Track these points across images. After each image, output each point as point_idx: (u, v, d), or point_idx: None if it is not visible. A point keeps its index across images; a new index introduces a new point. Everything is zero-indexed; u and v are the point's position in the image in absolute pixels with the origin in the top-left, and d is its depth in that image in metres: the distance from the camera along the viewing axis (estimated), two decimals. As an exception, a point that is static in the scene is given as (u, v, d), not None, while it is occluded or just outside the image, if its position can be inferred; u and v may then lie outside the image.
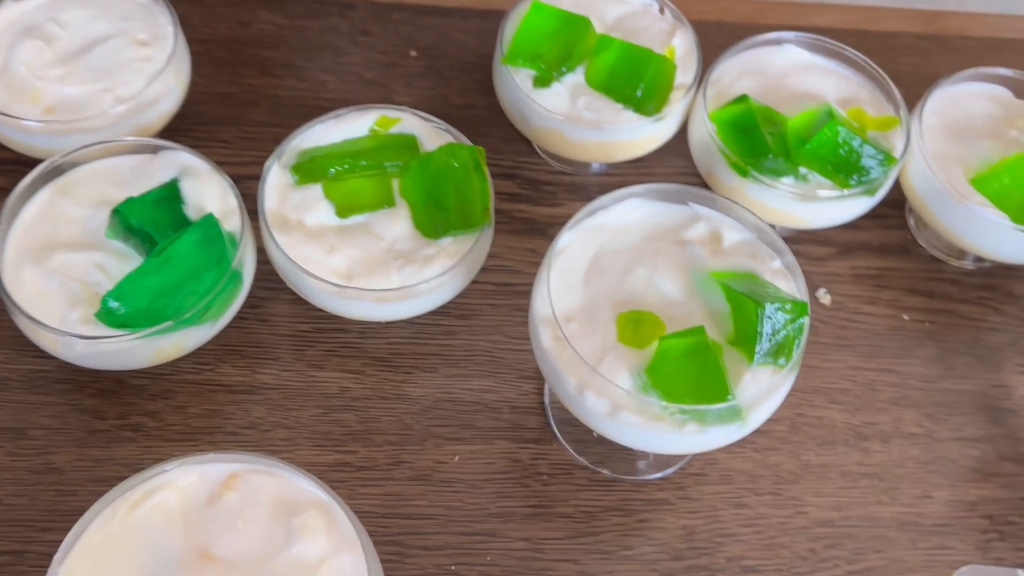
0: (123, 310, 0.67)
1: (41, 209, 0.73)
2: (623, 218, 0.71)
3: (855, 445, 0.81)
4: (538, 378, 0.81)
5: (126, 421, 0.76)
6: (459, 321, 0.83)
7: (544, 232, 0.89)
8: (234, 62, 0.95)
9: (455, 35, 1.00)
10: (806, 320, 0.65)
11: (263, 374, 0.79)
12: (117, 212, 0.69)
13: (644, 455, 0.78)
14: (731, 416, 0.63)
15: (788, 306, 0.64)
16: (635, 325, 0.66)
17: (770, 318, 0.63)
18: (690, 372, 0.63)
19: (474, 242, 0.74)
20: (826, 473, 0.79)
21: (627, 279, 0.69)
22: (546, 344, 0.66)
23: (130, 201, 0.69)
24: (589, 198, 0.90)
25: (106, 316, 0.68)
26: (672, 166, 0.93)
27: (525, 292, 0.85)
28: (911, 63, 1.01)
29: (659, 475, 0.77)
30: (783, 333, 0.64)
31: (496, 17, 1.02)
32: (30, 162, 0.85)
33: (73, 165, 0.75)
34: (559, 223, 0.88)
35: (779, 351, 0.64)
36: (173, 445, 0.75)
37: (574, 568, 0.73)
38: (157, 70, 0.80)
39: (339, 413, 0.78)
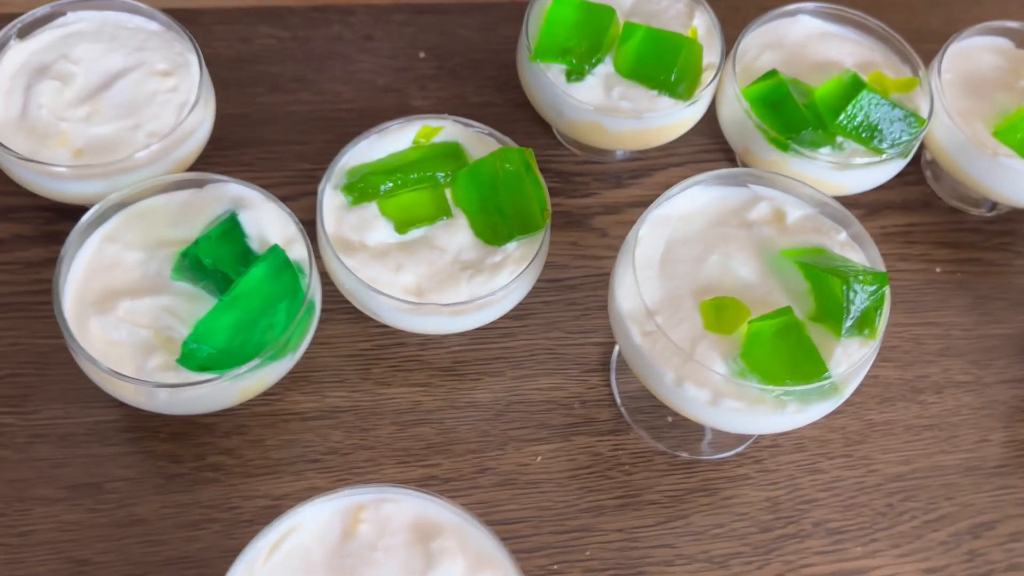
0: (205, 352, 0.67)
1: (92, 258, 0.72)
2: (686, 206, 0.73)
3: (912, 399, 0.85)
4: (603, 370, 0.83)
5: (204, 462, 0.76)
6: (516, 322, 0.84)
7: (582, 224, 0.90)
8: (242, 81, 0.94)
9: (459, 32, 1.00)
10: (887, 290, 0.68)
11: (333, 397, 0.80)
12: (188, 254, 0.68)
13: (718, 434, 0.81)
14: (830, 392, 0.66)
15: (869, 278, 0.67)
16: (719, 312, 0.68)
17: (855, 292, 0.66)
18: (784, 353, 0.65)
19: (539, 244, 0.75)
20: (890, 430, 0.83)
21: (702, 267, 0.71)
22: (637, 340, 0.68)
23: (200, 241, 0.68)
24: (620, 185, 0.93)
25: (188, 361, 0.67)
26: (694, 144, 0.95)
27: (574, 286, 0.87)
28: (903, 19, 1.05)
29: (735, 451, 0.80)
30: (866, 304, 0.67)
31: (494, 10, 1.02)
32: (57, 208, 0.84)
33: (118, 208, 0.74)
34: (596, 213, 0.91)
35: (863, 322, 0.67)
36: (257, 480, 0.75)
37: (671, 552, 0.76)
38: (185, 100, 0.79)
39: (415, 428, 0.79)
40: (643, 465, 0.79)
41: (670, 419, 0.80)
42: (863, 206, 0.94)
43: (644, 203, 0.92)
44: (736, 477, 0.79)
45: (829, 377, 0.65)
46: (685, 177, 0.93)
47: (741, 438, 0.80)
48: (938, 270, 0.91)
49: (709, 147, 0.96)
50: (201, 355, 0.67)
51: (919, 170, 0.97)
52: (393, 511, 0.60)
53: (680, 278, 0.70)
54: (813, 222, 0.73)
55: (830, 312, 0.68)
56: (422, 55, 0.98)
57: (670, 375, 0.66)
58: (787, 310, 0.67)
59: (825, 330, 0.68)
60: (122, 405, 0.76)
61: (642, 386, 0.81)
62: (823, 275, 0.67)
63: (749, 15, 0.99)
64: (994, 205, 0.94)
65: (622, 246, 0.72)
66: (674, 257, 0.71)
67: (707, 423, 0.69)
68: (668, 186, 0.92)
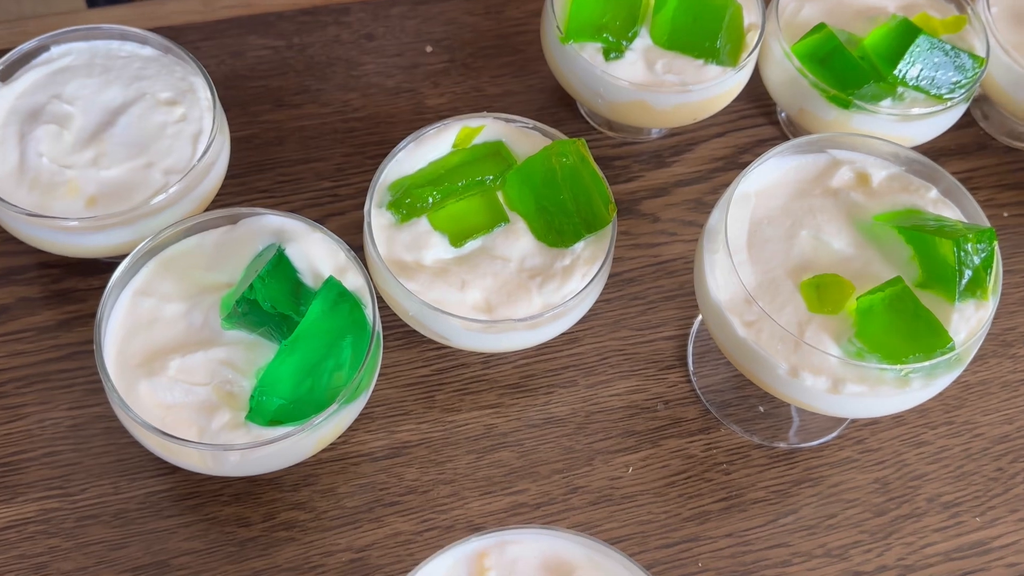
0: (275, 404, 0.63)
1: (127, 316, 0.68)
2: (764, 181, 0.71)
3: (1003, 354, 0.83)
4: (680, 366, 0.80)
5: (276, 520, 0.72)
6: (579, 326, 0.81)
7: (630, 211, 0.87)
8: (243, 99, 0.89)
9: (465, 19, 0.96)
10: (996, 245, 0.66)
11: (400, 432, 0.76)
12: (243, 301, 0.64)
13: (808, 419, 0.78)
14: (955, 362, 0.64)
15: (978, 236, 0.65)
16: (820, 291, 0.66)
17: (966, 253, 0.64)
18: (901, 326, 0.63)
19: (608, 240, 0.72)
20: (987, 389, 0.81)
21: (794, 244, 0.68)
22: (741, 333, 0.65)
23: (255, 284, 0.64)
24: (663, 164, 0.90)
25: (257, 415, 0.63)
26: (731, 111, 0.92)
27: (633, 279, 0.84)
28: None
29: (835, 434, 0.78)
30: (976, 264, 0.65)
31: (497, -9, 0.98)
32: (63, 263, 0.79)
33: (147, 257, 0.69)
34: (644, 198, 0.88)
35: (974, 284, 0.65)
36: (335, 533, 0.71)
37: (786, 551, 0.73)
38: (198, 130, 0.75)
39: (494, 453, 0.76)
40: (741, 462, 0.76)
41: (761, 409, 0.78)
42: (918, 156, 0.92)
43: (691, 181, 0.89)
44: (839, 462, 0.77)
45: (953, 347, 0.63)
46: (729, 147, 0.91)
47: (836, 420, 0.78)
48: (1005, 214, 0.90)
49: (748, 112, 0.93)
50: (270, 407, 0.63)
51: (967, 112, 0.95)
52: (518, 553, 0.57)
53: (772, 259, 0.67)
54: (900, 181, 0.71)
55: (940, 276, 0.65)
56: (429, 49, 0.94)
57: (783, 366, 0.64)
58: (897, 280, 0.64)
59: (936, 296, 0.66)
60: (175, 471, 0.72)
61: (724, 377, 0.79)
62: (929, 238, 0.65)
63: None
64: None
65: (704, 232, 0.69)
66: (762, 237, 0.68)
67: (825, 412, 0.66)
68: (714, 160, 0.91)
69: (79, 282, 0.80)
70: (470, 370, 0.79)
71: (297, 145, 0.88)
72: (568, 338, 0.81)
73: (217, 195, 0.80)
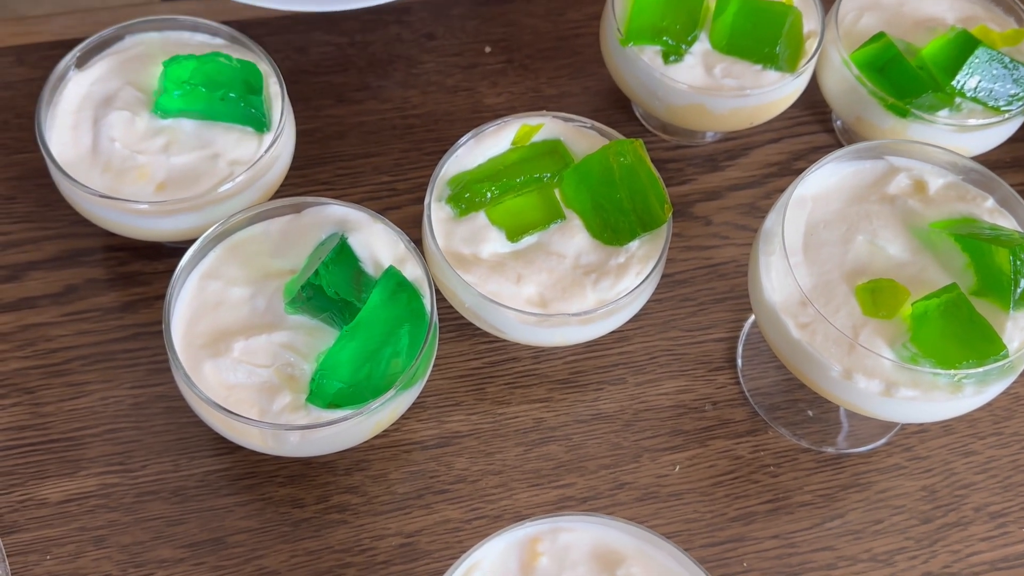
0: (334, 388, 0.65)
1: (193, 298, 0.70)
2: (821, 185, 0.72)
3: (1055, 368, 0.83)
4: (729, 368, 0.82)
5: (329, 503, 0.74)
6: (629, 324, 0.82)
7: (683, 213, 0.89)
8: (306, 94, 0.92)
9: (524, 21, 0.98)
10: (1052, 255, 0.66)
11: (451, 422, 0.78)
12: (308, 286, 0.66)
13: (857, 425, 0.79)
14: (1008, 370, 0.65)
15: (1035, 244, 0.65)
16: (875, 295, 0.67)
17: (1021, 261, 0.65)
18: (956, 332, 0.64)
19: (663, 240, 0.74)
20: (1038, 402, 0.82)
21: (849, 248, 0.69)
22: (795, 334, 0.66)
23: (320, 271, 0.66)
24: (717, 168, 0.91)
25: (317, 398, 0.65)
26: (788, 117, 0.94)
27: (684, 280, 0.85)
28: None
29: (883, 441, 0.79)
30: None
31: (558, -6, 1.00)
32: (130, 246, 0.82)
33: (215, 242, 0.72)
34: (697, 201, 0.89)
35: (1030, 292, 0.66)
36: (386, 518, 0.74)
37: (832, 555, 0.74)
38: (261, 120, 0.77)
39: (543, 447, 0.77)
40: (788, 465, 0.78)
41: (811, 413, 0.79)
42: (973, 168, 0.93)
43: (745, 185, 0.90)
44: (887, 468, 0.78)
45: (1007, 354, 0.64)
46: (784, 153, 0.93)
47: (884, 427, 0.79)
48: (1061, 229, 0.90)
49: (804, 118, 0.94)
50: (330, 391, 0.65)
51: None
52: (571, 540, 0.58)
53: (828, 262, 0.69)
54: (957, 190, 0.72)
55: (995, 285, 0.66)
56: (488, 49, 0.96)
57: (836, 368, 0.65)
58: (953, 287, 0.65)
59: (991, 304, 0.67)
60: (233, 451, 0.75)
61: (774, 380, 0.80)
62: (985, 246, 0.66)
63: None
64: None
65: (760, 234, 0.71)
66: (817, 241, 0.70)
67: (878, 416, 0.67)
68: (768, 165, 0.92)
69: (144, 266, 0.83)
70: (521, 364, 0.81)
71: (357, 140, 0.90)
72: (618, 336, 0.82)
73: (281, 186, 0.82)
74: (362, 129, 0.91)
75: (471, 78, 0.95)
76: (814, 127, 0.94)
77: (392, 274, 0.69)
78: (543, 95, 0.94)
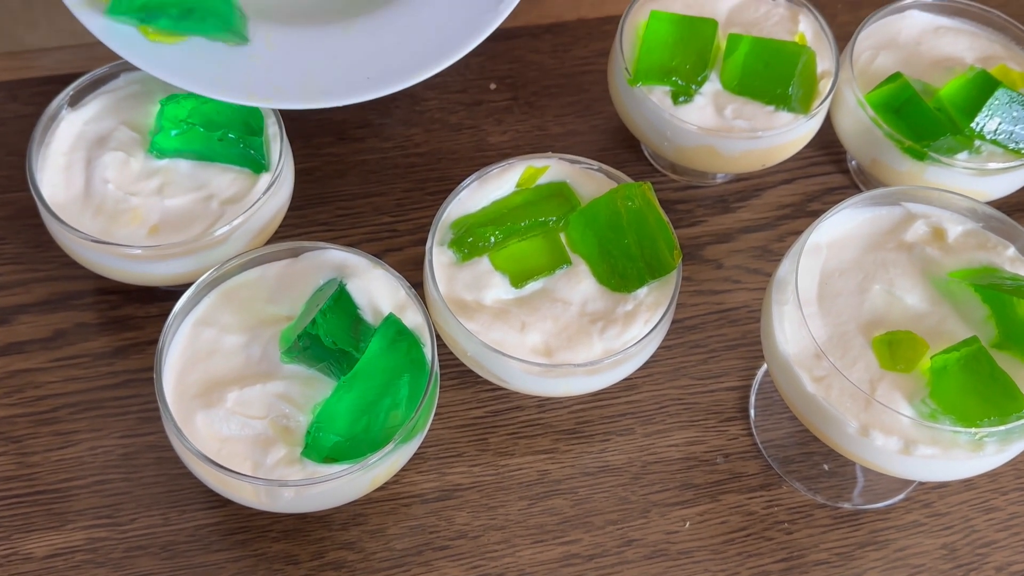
0: (330, 441, 0.64)
1: (186, 347, 0.69)
2: (836, 232, 0.71)
3: (1080, 420, 0.82)
4: (742, 418, 0.80)
5: (325, 560, 0.72)
6: (638, 372, 0.81)
7: (693, 256, 0.88)
8: (306, 132, 0.92)
9: (530, 57, 0.98)
10: (1076, 308, 0.65)
11: (452, 474, 0.77)
12: (305, 336, 0.65)
13: (873, 480, 0.78)
14: (1033, 426, 0.63)
15: (1058, 297, 0.64)
16: (893, 348, 0.66)
17: (1045, 314, 0.64)
18: (976, 388, 0.63)
19: (673, 287, 0.72)
20: (1062, 456, 0.80)
21: (866, 298, 0.68)
22: (810, 388, 0.65)
23: (317, 319, 0.65)
24: (728, 210, 0.90)
25: (313, 452, 0.64)
26: (801, 158, 0.93)
27: (695, 326, 0.84)
28: (1020, 5, 1.02)
29: (902, 496, 0.77)
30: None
31: (564, 30, 1.00)
32: (121, 290, 0.81)
33: (209, 288, 0.71)
34: (707, 243, 0.88)
35: (1054, 346, 0.65)
36: (384, 575, 0.72)
37: (849, 616, 0.73)
38: (260, 162, 0.77)
39: (547, 500, 0.76)
40: (803, 521, 0.76)
41: (826, 467, 0.77)
42: (993, 211, 0.92)
43: (757, 228, 0.89)
44: (906, 525, 0.76)
45: (1030, 410, 0.63)
46: (797, 195, 0.92)
47: (903, 482, 0.77)
48: (1084, 274, 0.89)
49: (817, 159, 0.93)
50: (326, 444, 0.64)
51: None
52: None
53: (843, 313, 0.68)
54: (977, 238, 0.71)
55: (1017, 338, 0.65)
56: (493, 86, 0.96)
57: (853, 424, 0.64)
58: (973, 340, 0.64)
59: (1013, 358, 0.65)
60: (226, 504, 0.73)
61: (788, 432, 0.79)
62: (1007, 298, 0.65)
63: (852, 17, 0.98)
64: None
65: (772, 283, 0.70)
66: (832, 290, 0.69)
67: (895, 474, 0.66)
68: (781, 207, 0.91)
69: (137, 309, 0.82)
70: (525, 413, 0.80)
71: (358, 179, 0.90)
72: (626, 385, 0.81)
73: (281, 227, 0.82)
74: (363, 168, 0.90)
75: (475, 115, 0.94)
76: (828, 167, 0.93)
77: (392, 322, 0.68)
78: (549, 133, 0.94)
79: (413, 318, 0.70)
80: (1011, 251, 0.70)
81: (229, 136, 0.76)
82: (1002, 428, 0.62)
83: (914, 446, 0.63)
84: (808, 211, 0.90)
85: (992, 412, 0.62)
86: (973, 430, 0.62)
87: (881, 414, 0.63)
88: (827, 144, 0.93)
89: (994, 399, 0.63)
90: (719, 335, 0.84)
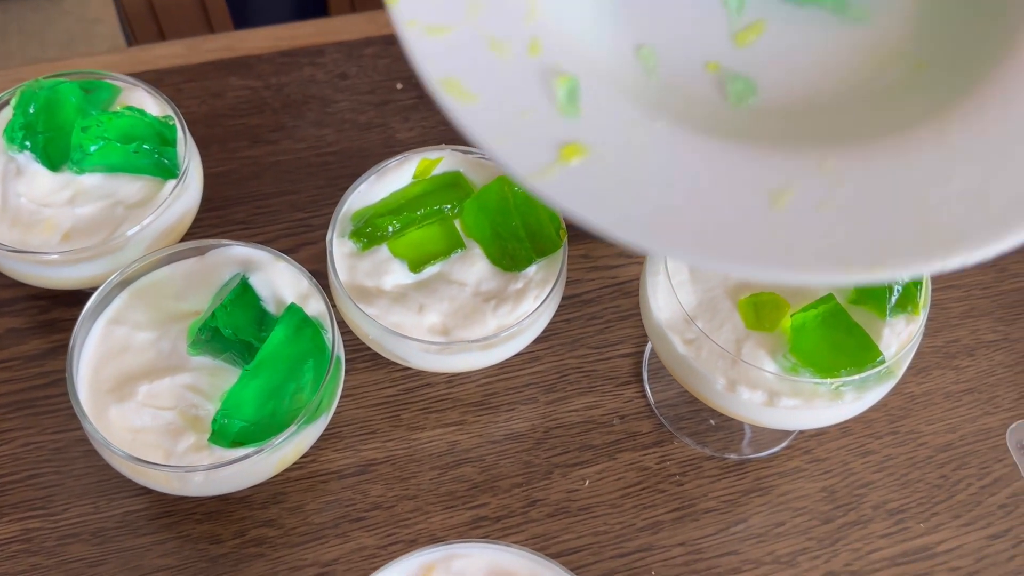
0: (236, 427, 0.63)
1: (100, 344, 0.67)
2: (705, 205, 0.70)
3: (946, 365, 0.82)
4: (636, 382, 0.80)
5: (245, 538, 0.71)
6: (540, 345, 0.80)
7: (586, 236, 0.86)
8: (221, 137, 0.90)
9: (433, 58, 0.96)
10: (925, 262, 0.65)
11: (367, 451, 0.75)
12: (206, 328, 0.64)
13: (759, 430, 0.77)
14: (886, 375, 0.63)
15: (907, 253, 0.64)
16: (758, 309, 0.65)
17: (894, 269, 0.63)
18: (833, 341, 0.62)
19: (560, 264, 0.71)
20: (931, 400, 0.80)
21: (733, 265, 0.67)
22: (681, 350, 0.64)
23: (217, 312, 0.64)
24: (621, 190, 0.89)
25: (220, 438, 0.63)
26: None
27: (591, 300, 0.83)
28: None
29: (783, 445, 0.77)
30: (906, 280, 0.64)
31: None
32: (50, 295, 0.79)
33: (120, 288, 0.69)
34: (602, 222, 0.87)
35: (905, 299, 0.64)
36: (303, 548, 0.71)
37: (737, 559, 0.72)
38: (167, 167, 0.74)
39: (456, 469, 0.75)
40: (693, 473, 0.76)
41: (713, 422, 0.77)
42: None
43: (648, 206, 0.88)
44: (789, 471, 0.76)
45: (883, 361, 0.62)
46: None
47: (785, 432, 0.77)
48: (948, 232, 0.89)
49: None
50: (233, 430, 0.63)
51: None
52: (464, 566, 0.56)
53: (712, 279, 0.67)
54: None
55: (871, 293, 0.65)
56: (399, 86, 0.94)
57: (720, 381, 0.63)
58: (829, 297, 0.64)
59: (868, 312, 0.65)
60: (150, 491, 0.72)
61: (678, 392, 0.78)
62: (860, 257, 0.64)
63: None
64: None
65: (647, 257, 0.69)
66: (702, 259, 0.68)
67: (764, 424, 0.65)
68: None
69: (64, 312, 0.80)
70: (435, 389, 0.78)
71: (273, 179, 0.88)
72: (529, 357, 0.80)
73: (196, 227, 0.80)
74: (278, 168, 0.88)
75: (384, 114, 0.92)
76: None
77: (294, 311, 0.67)
78: (452, 127, 0.92)
79: (316, 306, 0.68)
80: (866, 214, 0.69)
81: (144, 147, 0.74)
82: (857, 377, 0.61)
83: (777, 398, 0.62)
84: (694, 187, 0.89)
85: (849, 363, 0.62)
86: (829, 380, 0.61)
87: (747, 371, 0.62)
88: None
89: (850, 351, 0.62)
90: (614, 306, 0.83)
